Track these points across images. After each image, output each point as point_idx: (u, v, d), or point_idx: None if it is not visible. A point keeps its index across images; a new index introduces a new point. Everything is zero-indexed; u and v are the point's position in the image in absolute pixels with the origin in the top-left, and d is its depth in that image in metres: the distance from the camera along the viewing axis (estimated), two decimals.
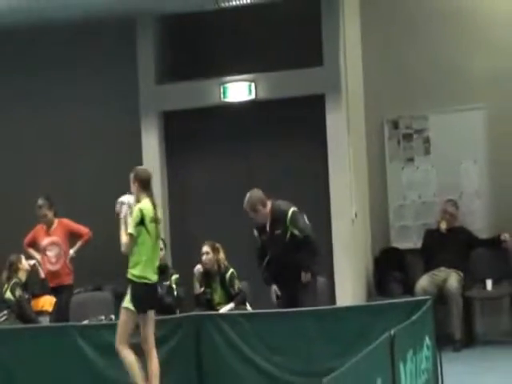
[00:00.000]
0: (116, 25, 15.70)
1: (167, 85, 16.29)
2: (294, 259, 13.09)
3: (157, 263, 12.19)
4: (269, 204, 13.22)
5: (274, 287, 13.53)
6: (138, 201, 11.90)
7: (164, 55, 16.53)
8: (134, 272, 11.98)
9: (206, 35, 16.19)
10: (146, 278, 12.01)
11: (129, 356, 11.76)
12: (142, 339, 11.95)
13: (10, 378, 12.64)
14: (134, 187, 12.00)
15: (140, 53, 16.37)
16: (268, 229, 13.33)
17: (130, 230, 11.77)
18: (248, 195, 13.36)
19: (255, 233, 13.52)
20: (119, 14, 15.06)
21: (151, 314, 12.05)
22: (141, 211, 11.86)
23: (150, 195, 12.08)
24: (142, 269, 12.04)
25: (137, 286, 12.00)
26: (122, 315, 11.95)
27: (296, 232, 13.17)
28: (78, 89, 17.11)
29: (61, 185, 16.49)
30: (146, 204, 11.98)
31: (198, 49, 16.33)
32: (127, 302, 11.91)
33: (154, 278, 12.13)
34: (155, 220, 12.02)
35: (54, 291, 14.85)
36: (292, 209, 13.21)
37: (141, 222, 11.89)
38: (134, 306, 11.94)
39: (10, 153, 17.61)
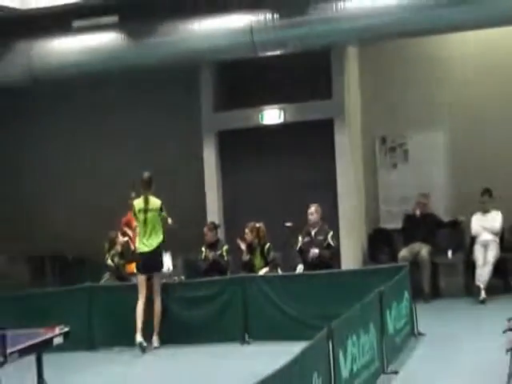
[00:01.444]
0: (184, 69, 15.67)
1: (221, 112, 16.24)
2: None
3: (148, 239, 12.73)
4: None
5: (300, 266, 13.92)
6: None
7: (219, 90, 16.37)
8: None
9: (249, 76, 15.97)
10: (140, 249, 12.72)
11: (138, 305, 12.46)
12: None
13: (112, 314, 13.03)
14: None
15: (202, 89, 16.30)
16: (313, 234, 14.00)
17: None
18: (316, 205, 13.99)
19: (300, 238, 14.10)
20: (188, 61, 14.96)
21: (155, 274, 12.73)
22: (133, 206, 12.83)
23: (147, 192, 12.85)
24: (138, 243, 12.85)
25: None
26: None
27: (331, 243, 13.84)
28: (159, 116, 17.06)
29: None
30: (138, 200, 12.87)
31: (243, 86, 16.16)
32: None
33: (144, 249, 12.73)
34: (144, 210, 12.73)
35: None
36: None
37: (134, 214, 12.86)
38: (136, 268, 12.85)
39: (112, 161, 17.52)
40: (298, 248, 14.13)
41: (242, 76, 16.13)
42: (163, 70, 15.42)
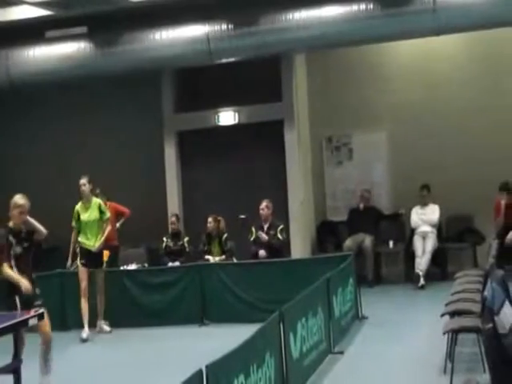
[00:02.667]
0: (147, 74, 15.67)
1: (181, 113, 16.37)
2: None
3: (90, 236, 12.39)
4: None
5: (262, 251, 13.90)
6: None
7: (179, 93, 16.48)
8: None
9: (207, 80, 16.08)
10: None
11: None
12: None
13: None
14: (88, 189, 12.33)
15: (163, 92, 16.43)
16: (265, 228, 14.04)
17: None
18: (267, 201, 14.10)
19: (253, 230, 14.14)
20: (150, 67, 15.06)
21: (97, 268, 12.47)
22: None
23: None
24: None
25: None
26: None
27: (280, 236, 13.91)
28: (122, 118, 17.03)
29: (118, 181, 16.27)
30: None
31: (201, 89, 16.28)
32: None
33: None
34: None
35: None
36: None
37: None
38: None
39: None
40: (252, 239, 14.22)
41: (201, 80, 16.23)
42: (128, 76, 15.37)
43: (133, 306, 13.05)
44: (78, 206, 12.38)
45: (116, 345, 11.96)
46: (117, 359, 10.83)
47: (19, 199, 9.13)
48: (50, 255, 16.09)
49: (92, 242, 12.42)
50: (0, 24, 14.42)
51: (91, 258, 12.48)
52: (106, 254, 14.23)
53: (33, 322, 8.30)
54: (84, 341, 12.07)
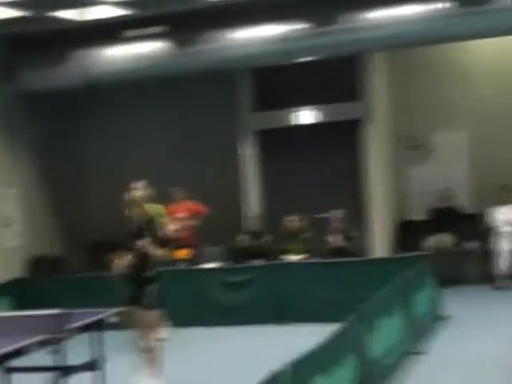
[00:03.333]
0: (224, 73, 15.75)
1: (258, 112, 16.38)
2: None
3: None
4: None
5: None
6: None
7: (256, 92, 16.46)
8: None
9: (284, 79, 16.02)
10: None
11: None
12: None
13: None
14: None
15: (240, 92, 16.44)
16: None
17: None
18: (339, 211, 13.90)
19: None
20: (226, 67, 15.15)
21: None
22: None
23: None
24: None
25: None
26: None
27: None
28: (199, 118, 16.96)
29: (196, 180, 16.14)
30: None
31: (278, 88, 16.25)
32: None
33: None
34: None
35: None
36: None
37: None
38: None
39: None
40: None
41: (278, 79, 16.20)
42: (204, 75, 15.41)
43: (211, 305, 13.08)
44: None
45: (193, 343, 11.93)
46: (193, 358, 10.79)
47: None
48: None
49: None
50: (78, 24, 14.63)
51: None
52: (184, 252, 14.32)
53: (113, 319, 8.34)
54: None
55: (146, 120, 17.12)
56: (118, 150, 17.34)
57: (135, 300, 8.78)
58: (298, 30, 14.01)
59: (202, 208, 14.92)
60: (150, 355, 8.83)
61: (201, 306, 13.03)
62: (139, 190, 9.10)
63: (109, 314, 8.45)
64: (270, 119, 16.21)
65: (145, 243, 8.80)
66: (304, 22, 13.98)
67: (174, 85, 16.11)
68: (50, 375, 7.67)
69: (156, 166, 16.29)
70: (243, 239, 14.89)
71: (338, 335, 6.95)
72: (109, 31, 14.90)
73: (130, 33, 14.97)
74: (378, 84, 16.04)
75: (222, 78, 16.04)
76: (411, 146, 16.56)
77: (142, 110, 17.16)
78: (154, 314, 8.82)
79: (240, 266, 14.03)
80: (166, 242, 9.20)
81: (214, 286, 13.30)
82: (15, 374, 7.75)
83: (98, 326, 8.28)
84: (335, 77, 15.80)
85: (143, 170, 16.32)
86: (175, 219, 14.30)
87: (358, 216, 14.59)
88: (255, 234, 14.97)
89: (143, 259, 8.80)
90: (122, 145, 17.34)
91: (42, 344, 7.22)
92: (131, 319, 8.78)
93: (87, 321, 8.07)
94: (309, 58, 14.79)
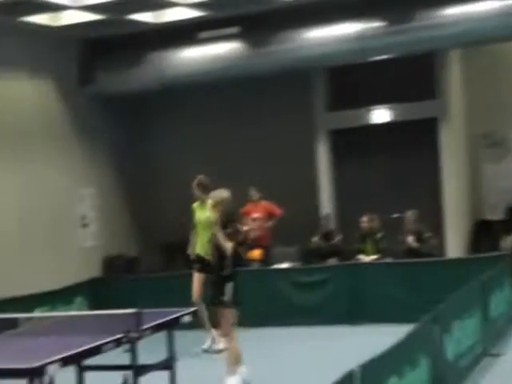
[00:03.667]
0: (298, 73, 15.79)
1: (333, 112, 16.35)
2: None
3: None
4: None
5: None
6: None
7: (331, 91, 16.45)
8: None
9: (359, 77, 15.98)
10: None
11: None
12: None
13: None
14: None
15: (315, 91, 16.44)
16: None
17: None
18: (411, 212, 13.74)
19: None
20: (301, 67, 15.16)
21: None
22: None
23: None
24: None
25: None
26: None
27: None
28: (273, 117, 16.90)
29: (270, 180, 16.04)
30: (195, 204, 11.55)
31: (352, 87, 16.21)
32: None
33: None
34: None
35: None
36: None
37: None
38: None
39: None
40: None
41: (353, 78, 16.15)
42: (279, 75, 15.45)
43: (284, 305, 13.04)
44: (196, 204, 11.70)
45: (266, 344, 11.92)
46: (266, 358, 10.78)
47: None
48: None
49: (197, 246, 11.54)
50: (154, 26, 14.84)
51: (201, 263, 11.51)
52: (258, 252, 14.34)
53: (186, 319, 8.41)
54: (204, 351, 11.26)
55: (221, 121, 17.18)
56: (192, 151, 17.43)
57: (215, 298, 9.01)
58: (373, 28, 13.95)
59: (276, 209, 14.95)
60: (230, 353, 9.01)
61: (274, 306, 13.01)
62: (220, 191, 9.39)
63: (182, 313, 8.50)
64: (344, 118, 16.18)
65: (222, 239, 8.94)
66: (379, 19, 13.91)
67: (248, 85, 16.15)
68: (124, 374, 7.74)
69: (232, 166, 16.39)
70: (316, 239, 14.85)
71: (412, 336, 6.87)
72: (184, 33, 15.06)
73: (205, 34, 15.11)
74: (454, 81, 15.89)
75: (297, 77, 16.07)
76: (488, 144, 16.30)
77: (217, 110, 17.22)
78: (233, 312, 8.96)
79: (313, 266, 13.98)
80: (242, 242, 9.26)
81: (288, 286, 13.26)
82: (90, 373, 7.85)
83: (171, 325, 8.35)
84: (410, 75, 15.69)
85: (218, 171, 16.65)
86: (251, 219, 14.43)
87: (432, 216, 14.38)
88: (328, 235, 14.92)
89: (221, 256, 8.98)
90: (196, 146, 17.44)
91: (117, 343, 7.30)
92: (212, 318, 8.96)
93: (161, 320, 8.14)
94: (384, 57, 14.72)
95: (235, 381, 8.92)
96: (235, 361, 8.96)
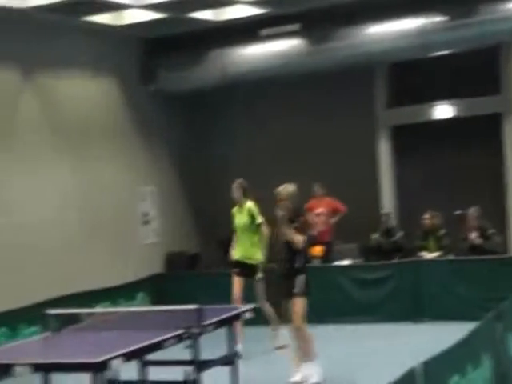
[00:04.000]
0: (359, 69, 15.64)
1: (395, 108, 16.23)
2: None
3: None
4: None
5: None
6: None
7: (392, 88, 16.31)
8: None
9: (420, 73, 15.83)
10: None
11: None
12: None
13: None
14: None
15: (376, 87, 16.32)
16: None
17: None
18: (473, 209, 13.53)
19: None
20: (362, 63, 15.03)
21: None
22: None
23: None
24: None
25: None
26: None
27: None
28: (334, 114, 16.76)
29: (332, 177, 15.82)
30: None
31: (414, 83, 16.04)
32: None
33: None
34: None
35: None
36: None
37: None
38: None
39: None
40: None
41: (414, 73, 15.99)
42: (340, 71, 15.38)
43: (345, 302, 13.04)
44: (235, 209, 11.58)
45: (328, 340, 11.88)
46: (328, 355, 10.75)
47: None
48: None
49: (237, 251, 11.41)
50: (215, 24, 14.92)
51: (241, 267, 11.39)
52: (319, 249, 14.33)
53: (247, 315, 8.45)
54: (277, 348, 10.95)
55: (284, 117, 17.16)
56: (254, 148, 17.47)
57: (286, 291, 9.18)
58: (435, 23, 13.79)
59: (340, 206, 14.96)
60: (304, 345, 9.22)
61: (335, 303, 12.99)
62: (286, 185, 9.53)
63: (244, 309, 8.54)
64: (406, 115, 16.06)
65: (290, 233, 9.14)
66: (441, 14, 13.74)
67: (310, 82, 16.10)
68: (186, 369, 7.81)
69: (295, 162, 16.41)
70: (377, 236, 14.78)
71: (474, 333, 6.80)
72: (245, 30, 15.07)
73: (266, 31, 15.12)
74: None
75: (358, 73, 15.93)
76: None
77: (279, 107, 17.19)
78: (304, 304, 9.16)
79: (375, 263, 13.92)
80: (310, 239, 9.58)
81: (349, 283, 13.26)
82: (152, 367, 7.93)
83: (233, 321, 8.39)
84: (474, 69, 15.49)
85: (280, 166, 16.69)
86: (315, 214, 14.48)
87: (496, 213, 14.20)
88: (389, 231, 14.83)
89: (291, 249, 9.16)
90: (258, 143, 17.46)
91: (178, 338, 7.37)
92: (285, 310, 9.21)
93: (223, 316, 8.19)
94: (446, 52, 14.58)
95: (316, 366, 9.18)
96: (312, 348, 9.21)
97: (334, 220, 14.94)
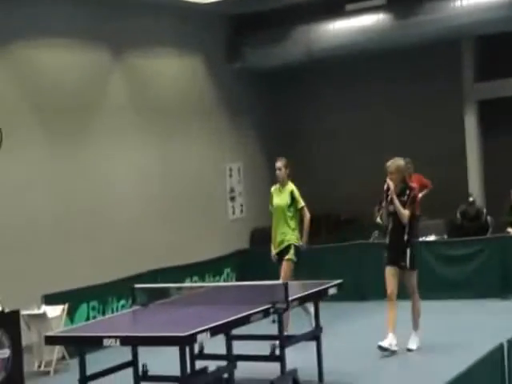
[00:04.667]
0: (445, 43, 15.34)
1: (482, 82, 15.91)
2: None
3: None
4: None
5: None
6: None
7: (480, 62, 16.02)
8: None
9: (509, 46, 15.40)
10: None
11: None
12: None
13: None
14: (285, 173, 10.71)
15: (463, 61, 16.02)
16: None
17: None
18: None
19: None
20: (449, 37, 14.75)
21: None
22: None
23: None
24: None
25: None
26: None
27: None
28: (420, 88, 16.43)
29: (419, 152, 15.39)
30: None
31: (503, 56, 15.61)
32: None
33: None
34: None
35: None
36: None
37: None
38: None
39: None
40: None
41: (501, 46, 15.61)
42: (426, 45, 15.17)
43: (431, 278, 12.63)
44: (273, 189, 11.05)
45: None
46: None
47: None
48: (349, 226, 16.35)
49: (277, 235, 10.74)
50: (299, 1, 14.83)
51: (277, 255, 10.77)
52: None
53: (332, 291, 8.42)
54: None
55: (370, 92, 16.97)
56: (341, 124, 17.36)
57: (397, 262, 9.45)
58: None
59: (427, 182, 14.81)
60: (415, 315, 9.64)
61: (422, 279, 12.75)
62: (395, 159, 9.61)
63: (329, 285, 8.51)
64: (494, 88, 15.73)
65: (399, 207, 9.38)
66: None
67: (397, 56, 15.95)
68: (272, 343, 7.83)
69: (382, 137, 16.30)
70: (463, 212, 14.51)
71: None
72: (330, 6, 14.99)
73: (352, 6, 15.04)
74: None
75: (445, 47, 15.66)
76: None
77: (366, 82, 17.00)
78: (414, 275, 9.55)
79: (462, 239, 13.67)
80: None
81: (436, 259, 13.05)
82: (238, 342, 7.97)
83: (318, 297, 8.37)
84: None
85: (368, 142, 16.59)
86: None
87: None
88: (476, 213, 14.48)
89: (400, 223, 9.41)
90: (345, 119, 17.35)
91: (264, 313, 7.39)
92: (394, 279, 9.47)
93: (308, 292, 8.18)
94: None
95: (417, 336, 9.58)
96: (418, 317, 9.64)
97: (422, 194, 14.73)
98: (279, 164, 10.81)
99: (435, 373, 8.29)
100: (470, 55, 16.09)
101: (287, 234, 10.57)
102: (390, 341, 9.34)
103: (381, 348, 9.30)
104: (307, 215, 10.66)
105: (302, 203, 10.69)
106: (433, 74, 16.32)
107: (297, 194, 10.70)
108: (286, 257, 10.49)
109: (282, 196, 10.72)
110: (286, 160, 10.86)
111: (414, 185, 10.18)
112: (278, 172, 10.83)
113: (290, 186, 10.77)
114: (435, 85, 16.24)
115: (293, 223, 10.61)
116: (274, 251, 10.72)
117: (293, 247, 10.51)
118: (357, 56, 15.64)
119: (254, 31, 15.96)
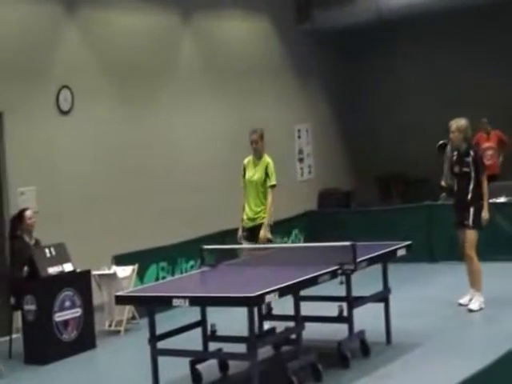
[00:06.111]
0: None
1: None
2: None
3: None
4: None
5: None
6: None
7: None
8: None
9: None
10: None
11: None
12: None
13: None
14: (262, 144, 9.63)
15: None
16: None
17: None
18: None
19: None
20: None
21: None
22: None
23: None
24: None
25: None
26: None
27: None
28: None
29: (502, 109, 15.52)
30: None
31: None
32: None
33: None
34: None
35: None
36: None
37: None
38: None
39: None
40: None
41: None
42: (500, 4, 14.76)
43: (501, 240, 12.45)
44: (246, 161, 9.89)
45: (486, 278, 11.53)
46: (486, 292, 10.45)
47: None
48: (419, 187, 16.16)
49: (249, 211, 9.69)
50: None
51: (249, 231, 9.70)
52: None
53: (401, 252, 8.28)
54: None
55: (444, 52, 16.66)
56: (409, 84, 17.12)
57: (460, 221, 9.48)
58: None
59: (506, 138, 14.76)
60: (473, 275, 9.57)
61: (491, 241, 12.51)
62: (458, 119, 9.53)
63: (398, 246, 8.36)
64: None
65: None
66: None
67: (469, 14, 15.56)
68: (339, 305, 7.74)
69: (460, 96, 16.02)
70: None
71: None
72: None
73: None
74: None
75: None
76: None
77: (439, 41, 16.71)
78: (475, 235, 9.44)
79: None
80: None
81: (505, 220, 12.70)
82: (306, 303, 7.87)
83: (387, 258, 8.24)
84: None
85: (442, 102, 16.26)
86: (482, 149, 14.20)
87: None
88: None
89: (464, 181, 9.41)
90: (417, 79, 17.07)
91: (332, 274, 7.29)
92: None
93: (377, 253, 8.05)
94: None
95: (480, 297, 9.49)
96: (479, 279, 9.55)
97: (501, 153, 14.84)
98: (255, 136, 9.67)
99: (506, 335, 8.10)
100: None
101: (260, 212, 9.61)
102: (470, 297, 9.55)
103: (461, 305, 9.49)
104: (271, 196, 9.60)
105: (274, 181, 9.63)
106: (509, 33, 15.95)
107: (271, 169, 9.62)
108: (262, 236, 9.44)
109: (256, 169, 9.68)
110: (262, 131, 9.77)
111: (478, 148, 10.00)
112: (254, 146, 9.67)
113: (266, 160, 9.69)
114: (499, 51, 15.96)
115: (264, 200, 9.63)
116: (241, 229, 9.68)
117: (268, 225, 9.52)
118: (428, 15, 15.30)
119: None
